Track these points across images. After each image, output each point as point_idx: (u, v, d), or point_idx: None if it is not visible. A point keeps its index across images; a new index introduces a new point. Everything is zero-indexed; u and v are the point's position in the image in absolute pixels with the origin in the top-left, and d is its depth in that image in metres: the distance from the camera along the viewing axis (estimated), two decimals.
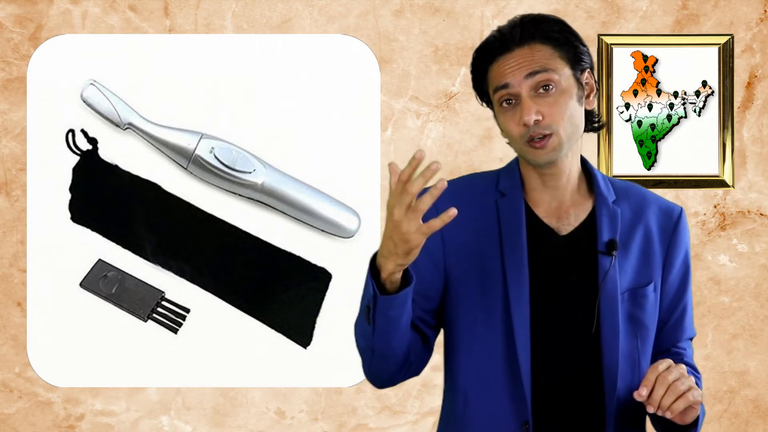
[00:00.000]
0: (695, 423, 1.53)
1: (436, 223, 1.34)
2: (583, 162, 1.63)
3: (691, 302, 1.67)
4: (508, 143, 1.61)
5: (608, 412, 1.54)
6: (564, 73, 1.53)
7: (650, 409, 1.45)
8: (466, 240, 1.57)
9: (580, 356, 1.54)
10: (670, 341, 1.66)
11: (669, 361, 1.48)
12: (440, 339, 1.67)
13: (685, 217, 1.64)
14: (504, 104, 1.54)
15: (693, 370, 1.65)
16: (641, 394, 1.44)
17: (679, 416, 1.48)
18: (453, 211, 1.33)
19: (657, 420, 1.56)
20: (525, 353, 1.52)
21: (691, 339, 1.69)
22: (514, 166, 1.63)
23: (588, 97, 1.58)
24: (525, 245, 1.54)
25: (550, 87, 1.52)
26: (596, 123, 1.62)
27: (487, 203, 1.58)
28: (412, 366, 1.58)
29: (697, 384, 1.58)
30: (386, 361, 1.53)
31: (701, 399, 1.49)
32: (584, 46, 1.57)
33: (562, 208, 1.59)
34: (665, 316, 1.64)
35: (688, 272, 1.64)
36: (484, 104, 1.62)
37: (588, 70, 1.58)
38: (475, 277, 1.56)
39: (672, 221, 1.62)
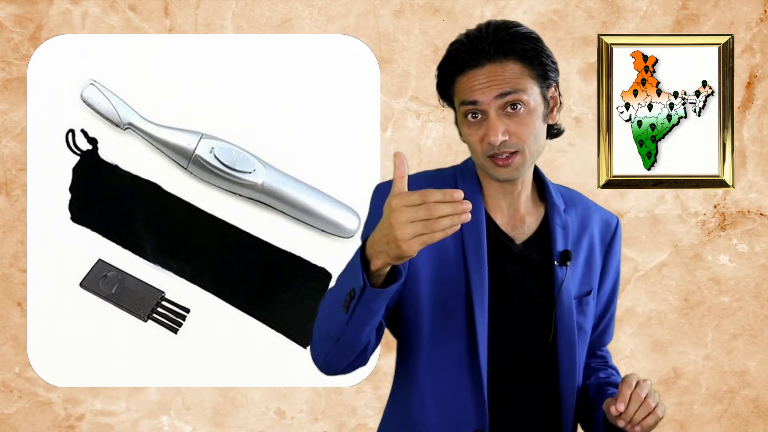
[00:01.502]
0: None
1: (438, 236, 1.26)
2: (536, 171, 1.64)
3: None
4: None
5: (564, 418, 1.55)
6: (533, 92, 1.51)
7: (621, 424, 1.47)
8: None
9: (535, 364, 1.55)
10: (597, 345, 1.71)
11: (637, 375, 1.50)
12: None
13: (620, 227, 1.68)
14: (469, 117, 1.52)
15: (616, 372, 1.72)
16: (619, 409, 1.45)
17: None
18: (457, 228, 1.26)
19: (610, 429, 1.57)
20: (485, 360, 1.52)
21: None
22: (470, 169, 1.62)
23: (552, 111, 1.56)
24: (485, 252, 1.54)
25: (519, 107, 1.50)
26: (554, 131, 1.62)
27: None
28: (366, 358, 1.53)
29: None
30: (348, 351, 1.47)
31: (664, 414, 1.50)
32: (554, 62, 1.55)
33: (516, 216, 1.60)
34: (596, 321, 1.67)
35: (618, 279, 1.69)
36: (445, 105, 1.60)
37: (554, 85, 1.56)
38: (437, 280, 1.55)
39: (610, 231, 1.67)
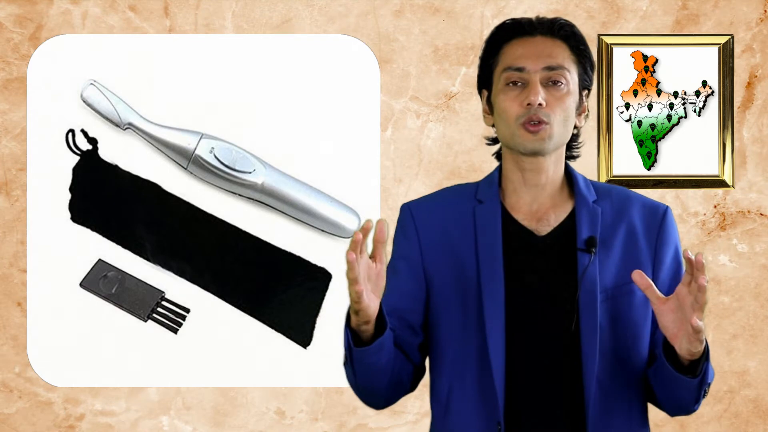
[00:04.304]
0: (702, 370, 1.49)
1: (352, 286, 1.38)
2: (567, 168, 1.64)
3: None
4: (488, 143, 1.63)
5: (589, 410, 1.53)
6: (574, 79, 1.56)
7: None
8: (444, 251, 1.57)
9: (558, 355, 1.54)
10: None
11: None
12: None
13: (671, 214, 1.63)
14: (510, 85, 1.55)
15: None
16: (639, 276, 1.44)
17: (685, 345, 1.46)
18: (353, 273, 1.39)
19: (658, 377, 1.54)
20: (497, 353, 1.51)
21: None
22: (494, 175, 1.63)
23: (580, 114, 1.60)
24: (500, 246, 1.54)
25: (561, 84, 1.54)
26: (574, 144, 1.63)
27: (465, 212, 1.59)
28: (406, 387, 1.60)
29: (707, 373, 1.57)
30: (373, 395, 1.57)
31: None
32: (594, 71, 1.61)
33: (541, 210, 1.59)
34: None
35: (680, 270, 1.63)
36: (481, 93, 1.61)
37: (587, 92, 1.60)
38: (452, 286, 1.56)
39: (657, 219, 1.61)
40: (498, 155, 1.63)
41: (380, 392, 1.56)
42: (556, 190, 1.60)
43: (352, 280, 1.37)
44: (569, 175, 1.63)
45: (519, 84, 1.54)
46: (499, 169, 1.62)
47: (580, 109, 1.59)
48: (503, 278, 1.53)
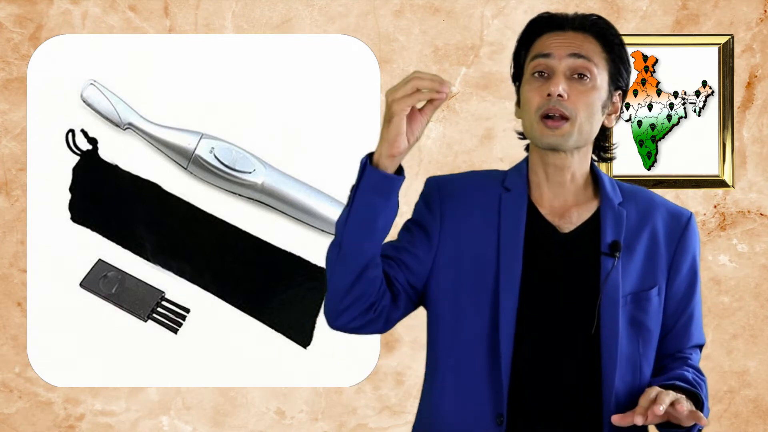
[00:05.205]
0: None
1: (416, 95, 1.40)
2: (592, 166, 1.63)
3: (700, 309, 1.64)
4: (519, 137, 1.61)
5: (606, 414, 1.53)
6: (602, 75, 1.54)
7: (639, 421, 1.43)
8: (465, 228, 1.56)
9: (575, 357, 1.53)
10: (675, 347, 1.62)
11: (656, 389, 1.46)
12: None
13: (694, 222, 1.61)
14: (535, 75, 1.54)
15: (697, 372, 1.63)
16: (636, 422, 1.42)
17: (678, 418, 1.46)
18: (431, 92, 1.40)
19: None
20: (507, 345, 1.50)
21: (699, 347, 1.65)
22: (522, 165, 1.62)
23: (610, 114, 1.58)
24: (522, 237, 1.53)
25: (586, 78, 1.52)
26: (606, 145, 1.61)
27: (491, 197, 1.58)
28: (377, 311, 1.54)
29: (700, 386, 1.57)
30: (347, 267, 1.49)
31: (689, 406, 1.45)
32: (629, 72, 1.58)
33: (565, 206, 1.58)
34: (670, 321, 1.60)
35: (695, 278, 1.62)
36: (516, 85, 1.61)
37: (621, 92, 1.58)
38: (468, 265, 1.55)
39: (680, 225, 1.60)
40: (528, 147, 1.62)
41: (356, 265, 1.48)
42: (580, 188, 1.59)
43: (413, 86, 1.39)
44: (594, 174, 1.62)
45: (544, 75, 1.53)
46: (527, 160, 1.62)
47: (611, 110, 1.57)
48: (521, 267, 1.53)
